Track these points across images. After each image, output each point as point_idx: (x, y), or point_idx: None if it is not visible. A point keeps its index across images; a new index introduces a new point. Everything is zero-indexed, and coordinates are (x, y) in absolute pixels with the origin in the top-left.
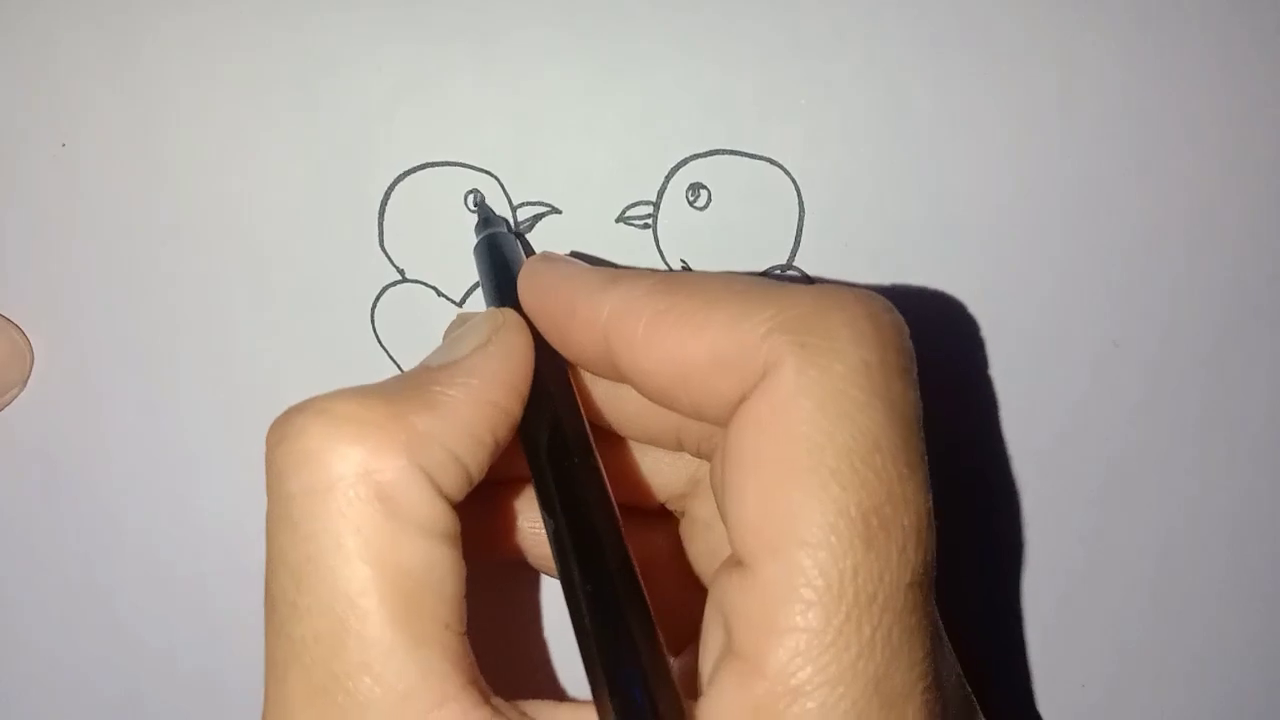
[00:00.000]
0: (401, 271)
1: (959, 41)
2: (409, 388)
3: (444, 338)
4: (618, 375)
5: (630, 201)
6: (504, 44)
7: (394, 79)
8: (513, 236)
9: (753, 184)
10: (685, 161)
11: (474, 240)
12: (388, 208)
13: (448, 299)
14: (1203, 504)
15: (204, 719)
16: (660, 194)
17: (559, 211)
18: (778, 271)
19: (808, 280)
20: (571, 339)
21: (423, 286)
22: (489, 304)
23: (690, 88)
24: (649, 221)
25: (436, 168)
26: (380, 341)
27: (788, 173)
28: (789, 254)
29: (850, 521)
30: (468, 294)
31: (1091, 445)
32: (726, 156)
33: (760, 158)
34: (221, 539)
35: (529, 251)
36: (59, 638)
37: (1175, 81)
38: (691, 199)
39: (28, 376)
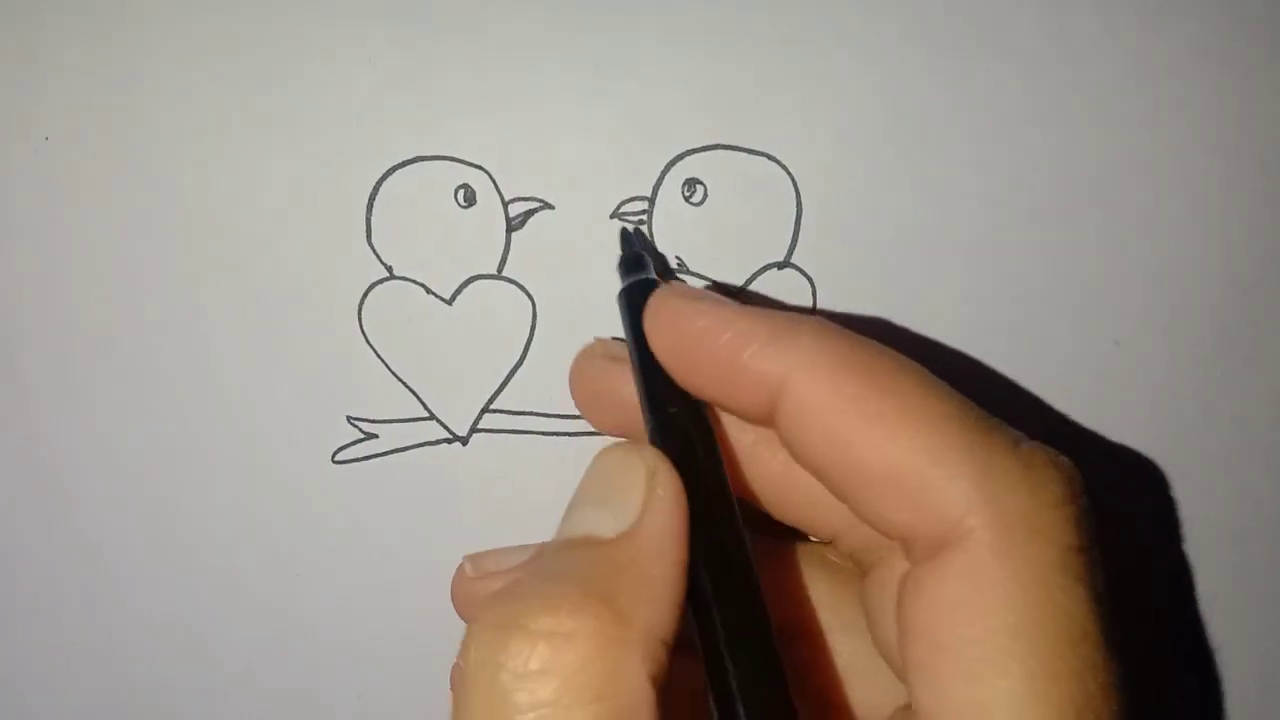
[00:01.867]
0: (389, 268)
1: (959, 37)
2: (608, 574)
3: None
4: (765, 423)
5: (625, 197)
6: (496, 35)
7: (383, 70)
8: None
9: (750, 180)
10: (681, 156)
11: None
12: (376, 203)
13: (437, 296)
14: (1204, 504)
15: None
16: (656, 189)
17: (552, 207)
18: (775, 269)
19: (808, 280)
20: (728, 394)
21: (411, 284)
22: (637, 371)
23: (687, 81)
24: (644, 217)
25: (426, 162)
26: (367, 339)
27: (785, 168)
28: (787, 251)
29: (1064, 717)
30: (457, 292)
31: (1092, 445)
32: (723, 151)
33: (758, 153)
34: (205, 540)
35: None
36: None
37: (1178, 79)
38: (688, 194)
39: None
